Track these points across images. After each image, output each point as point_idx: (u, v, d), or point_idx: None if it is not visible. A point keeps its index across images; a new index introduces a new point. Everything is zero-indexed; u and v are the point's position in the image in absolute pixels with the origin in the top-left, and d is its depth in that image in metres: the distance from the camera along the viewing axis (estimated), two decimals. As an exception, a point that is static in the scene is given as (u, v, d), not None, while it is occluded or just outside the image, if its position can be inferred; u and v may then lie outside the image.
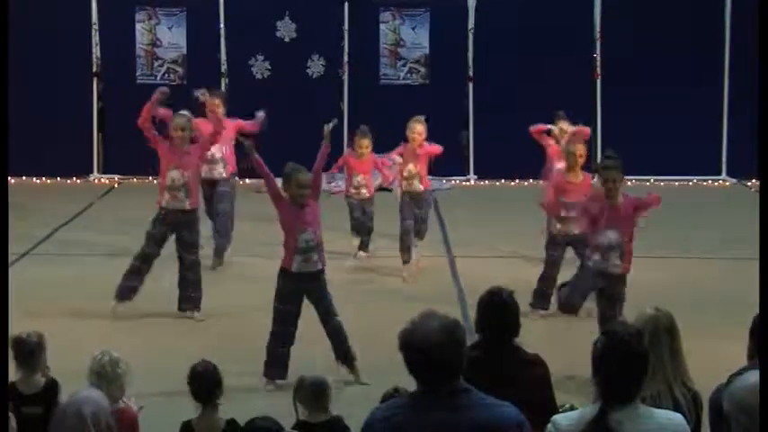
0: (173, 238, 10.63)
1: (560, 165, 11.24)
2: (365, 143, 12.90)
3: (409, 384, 4.47)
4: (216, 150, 12.19)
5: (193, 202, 10.61)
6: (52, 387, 6.51)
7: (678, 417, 4.76)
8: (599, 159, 9.38)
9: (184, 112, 10.89)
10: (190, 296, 10.64)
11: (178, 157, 10.56)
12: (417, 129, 12.50)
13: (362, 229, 12.91)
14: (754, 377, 3.87)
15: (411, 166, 12.43)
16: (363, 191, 12.94)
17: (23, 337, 6.57)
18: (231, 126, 12.50)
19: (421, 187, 12.46)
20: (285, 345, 8.90)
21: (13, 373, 6.52)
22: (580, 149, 10.80)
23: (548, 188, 11.24)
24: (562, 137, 12.18)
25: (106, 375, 6.15)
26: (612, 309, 8.91)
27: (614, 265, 8.96)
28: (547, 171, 12.25)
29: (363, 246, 13.07)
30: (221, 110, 12.42)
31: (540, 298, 10.67)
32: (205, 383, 6.30)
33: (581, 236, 10.08)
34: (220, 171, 12.53)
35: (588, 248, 9.21)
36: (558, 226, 10.66)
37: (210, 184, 12.43)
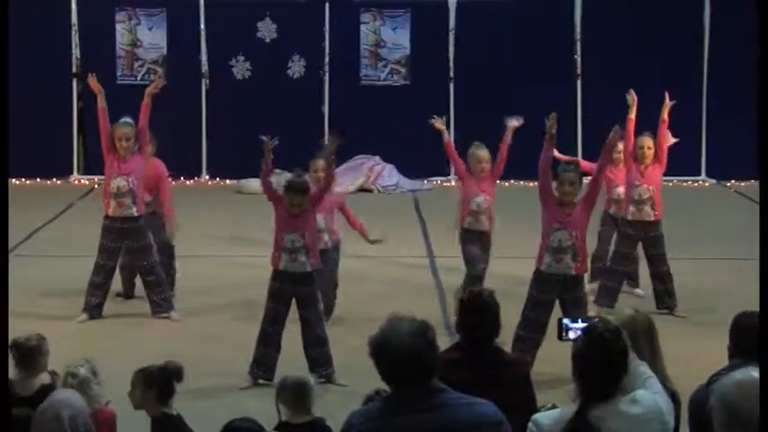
0: None
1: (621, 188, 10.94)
2: (320, 167, 9.98)
3: (375, 382, 4.47)
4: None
5: (139, 208, 10.51)
6: (45, 391, 6.47)
7: (656, 406, 4.72)
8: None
9: (128, 119, 10.69)
10: (158, 300, 10.61)
11: (122, 164, 10.42)
12: (484, 156, 10.75)
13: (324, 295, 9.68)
14: (740, 374, 3.87)
15: (480, 199, 10.58)
16: (324, 237, 10.06)
17: (21, 339, 6.56)
18: (154, 167, 10.97)
19: (488, 224, 10.69)
20: (270, 345, 8.88)
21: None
22: (648, 142, 10.79)
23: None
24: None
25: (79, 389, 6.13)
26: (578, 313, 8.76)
27: (568, 267, 8.80)
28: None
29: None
30: (149, 148, 10.78)
31: (607, 296, 10.59)
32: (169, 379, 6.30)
33: (654, 228, 10.52)
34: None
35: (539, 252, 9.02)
36: (632, 209, 10.63)
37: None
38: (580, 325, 5.38)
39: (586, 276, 9.45)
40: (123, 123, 10.62)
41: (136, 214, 10.48)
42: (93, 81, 10.76)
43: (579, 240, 8.83)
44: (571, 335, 5.45)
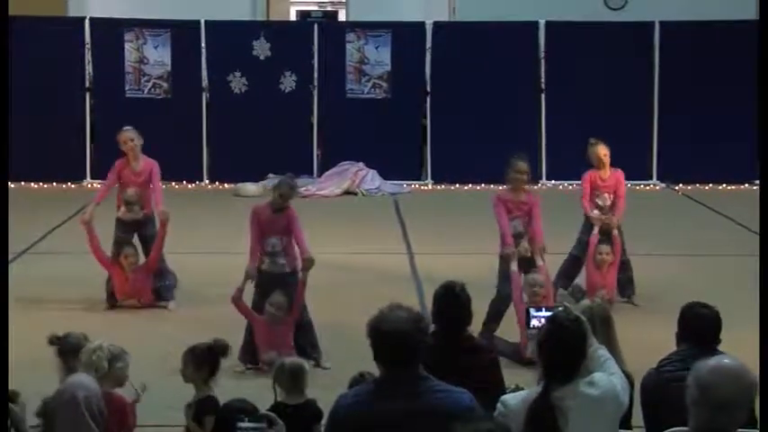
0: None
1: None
2: (284, 192, 9.03)
3: (373, 369, 4.47)
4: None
5: (147, 211, 10.63)
6: None
7: (610, 387, 4.77)
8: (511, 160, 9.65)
9: (128, 127, 10.82)
10: (159, 287, 10.60)
11: (131, 175, 10.60)
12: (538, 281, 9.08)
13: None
14: (714, 360, 3.97)
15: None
16: (281, 260, 9.00)
17: (60, 335, 6.55)
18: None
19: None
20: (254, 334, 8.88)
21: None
22: (603, 150, 10.74)
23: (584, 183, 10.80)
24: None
25: (99, 369, 5.99)
26: None
27: (525, 249, 9.19)
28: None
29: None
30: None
31: (564, 278, 10.67)
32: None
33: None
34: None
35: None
36: (596, 212, 10.65)
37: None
38: (544, 314, 5.41)
39: None
40: (126, 130, 10.75)
41: (142, 217, 10.61)
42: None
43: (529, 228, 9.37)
44: (534, 323, 5.49)
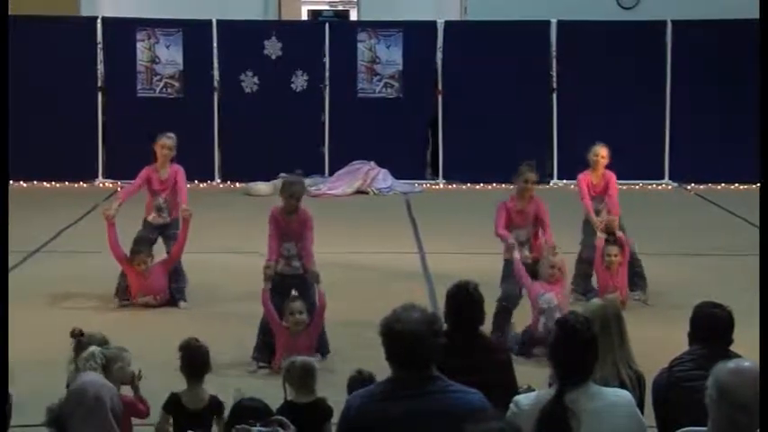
0: None
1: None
2: (295, 191, 9.06)
3: (383, 368, 4.45)
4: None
5: (174, 215, 10.71)
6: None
7: (625, 393, 4.82)
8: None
9: (171, 134, 10.91)
10: (173, 289, 10.60)
11: (158, 182, 10.70)
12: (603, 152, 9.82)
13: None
14: (733, 363, 3.99)
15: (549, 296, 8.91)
16: (295, 263, 9.10)
17: (83, 332, 6.43)
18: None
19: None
20: (267, 333, 8.84)
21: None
22: (602, 152, 10.83)
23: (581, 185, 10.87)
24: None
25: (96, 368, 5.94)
26: None
27: (526, 257, 9.27)
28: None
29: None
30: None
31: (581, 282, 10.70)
32: (194, 358, 6.36)
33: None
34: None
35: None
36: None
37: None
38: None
39: None
40: (168, 136, 10.84)
41: (170, 221, 10.73)
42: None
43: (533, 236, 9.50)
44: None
